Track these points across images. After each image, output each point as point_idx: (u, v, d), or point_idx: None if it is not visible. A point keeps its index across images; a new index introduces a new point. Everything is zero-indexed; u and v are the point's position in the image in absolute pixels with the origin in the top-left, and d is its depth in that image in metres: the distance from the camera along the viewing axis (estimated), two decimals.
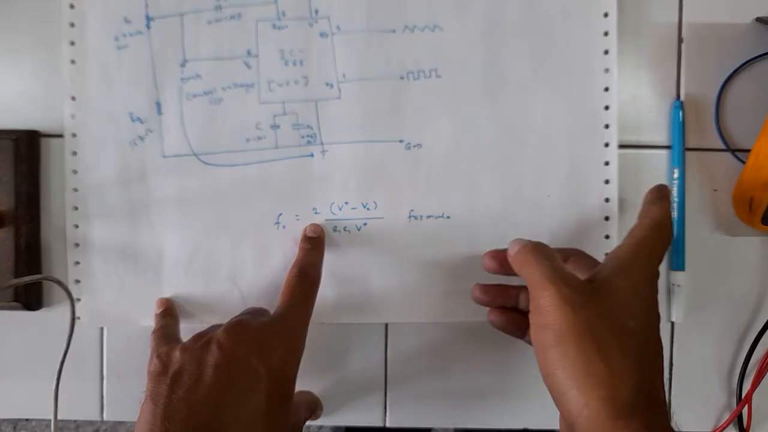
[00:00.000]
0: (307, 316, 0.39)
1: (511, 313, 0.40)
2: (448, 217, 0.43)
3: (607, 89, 0.42)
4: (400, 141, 0.43)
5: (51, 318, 0.44)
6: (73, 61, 0.42)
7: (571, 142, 0.42)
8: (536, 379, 0.44)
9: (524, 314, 0.39)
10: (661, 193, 0.36)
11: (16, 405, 0.45)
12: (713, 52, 0.43)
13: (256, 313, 0.40)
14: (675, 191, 0.43)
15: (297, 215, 0.43)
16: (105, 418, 0.44)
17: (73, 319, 0.38)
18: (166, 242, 0.43)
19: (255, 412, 0.34)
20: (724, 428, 0.44)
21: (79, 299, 0.43)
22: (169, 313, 0.42)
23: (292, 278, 0.39)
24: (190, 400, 0.34)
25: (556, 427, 0.43)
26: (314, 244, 0.41)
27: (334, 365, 0.44)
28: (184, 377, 0.34)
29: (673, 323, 0.44)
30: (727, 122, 0.43)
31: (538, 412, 0.44)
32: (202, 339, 0.36)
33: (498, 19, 0.42)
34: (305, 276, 0.40)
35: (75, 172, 0.43)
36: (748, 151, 0.41)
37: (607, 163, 0.42)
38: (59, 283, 0.37)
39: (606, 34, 0.42)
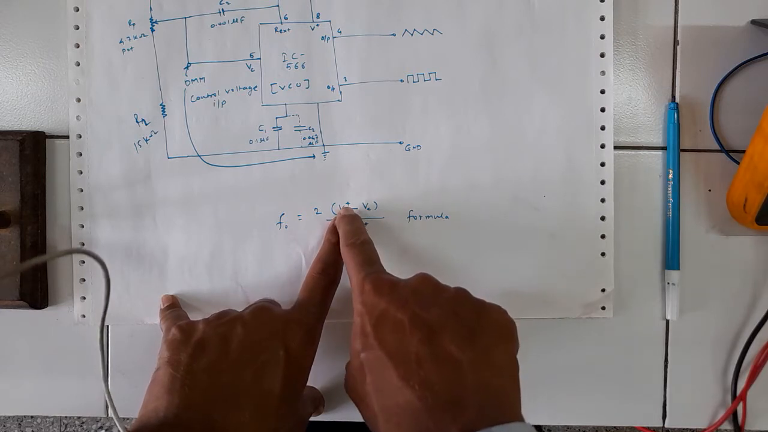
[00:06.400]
0: (325, 310, 0.40)
1: None
2: (447, 217, 0.43)
3: (603, 91, 0.43)
4: (400, 142, 0.43)
5: (57, 316, 0.44)
6: (78, 63, 0.43)
7: (568, 144, 0.43)
8: (532, 376, 0.45)
9: None
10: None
11: (21, 403, 0.46)
12: (708, 54, 0.43)
13: (273, 303, 0.41)
14: (670, 191, 0.43)
15: (299, 215, 0.43)
16: (110, 414, 0.45)
17: (108, 288, 0.39)
18: (170, 242, 0.43)
19: (270, 392, 0.35)
20: (719, 425, 0.44)
21: (84, 297, 0.44)
22: (175, 307, 0.43)
23: (315, 274, 0.40)
24: (211, 371, 0.35)
25: (554, 423, 0.44)
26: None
27: (336, 362, 0.44)
28: (206, 349, 0.35)
29: (668, 321, 0.44)
30: (722, 123, 0.44)
31: (534, 408, 0.45)
32: (227, 317, 0.37)
33: (496, 22, 0.43)
34: (327, 274, 0.40)
35: (80, 172, 0.43)
36: (743, 151, 0.42)
37: (603, 164, 0.43)
38: (91, 254, 0.37)
39: (602, 37, 0.43)
